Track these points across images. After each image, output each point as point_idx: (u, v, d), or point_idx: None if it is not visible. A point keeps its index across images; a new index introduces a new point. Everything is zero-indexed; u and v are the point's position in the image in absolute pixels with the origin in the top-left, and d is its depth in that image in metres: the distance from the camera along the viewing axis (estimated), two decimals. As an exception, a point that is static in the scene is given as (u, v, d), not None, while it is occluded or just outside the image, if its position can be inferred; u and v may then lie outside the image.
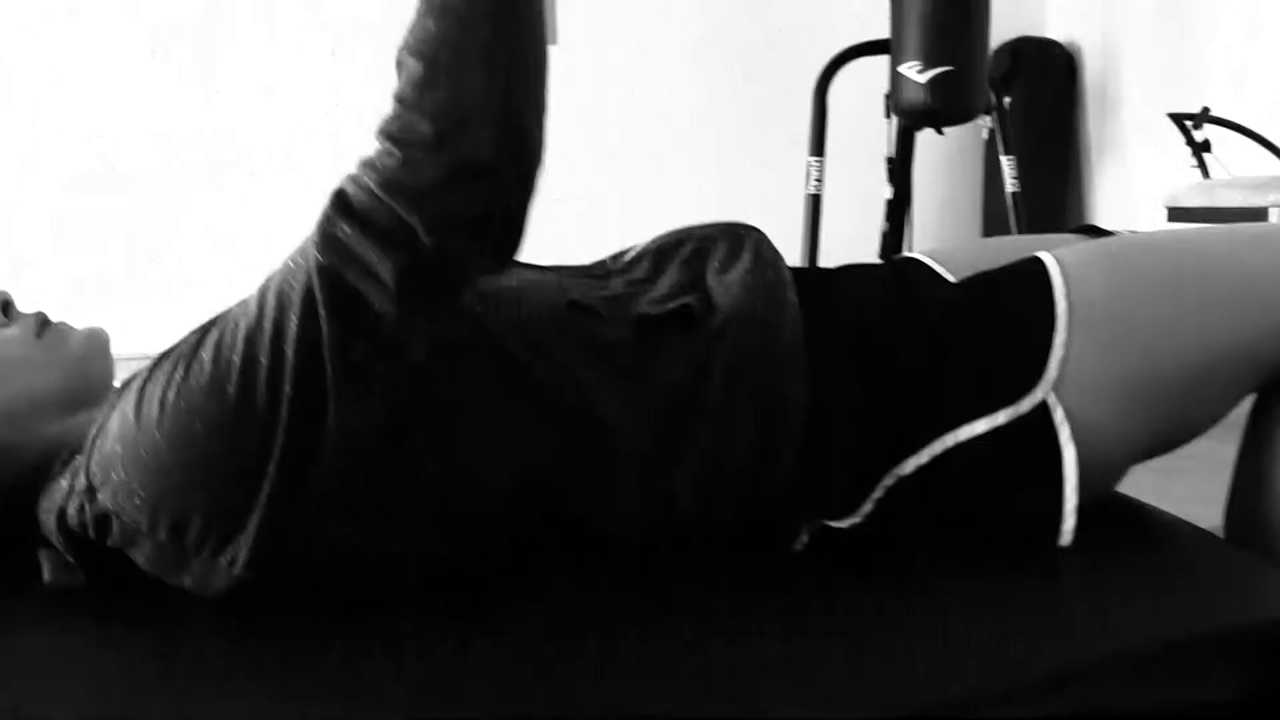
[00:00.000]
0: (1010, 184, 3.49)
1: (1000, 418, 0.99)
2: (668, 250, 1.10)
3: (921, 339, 1.02)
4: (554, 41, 1.07)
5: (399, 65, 0.88)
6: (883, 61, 3.15)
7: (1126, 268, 1.06)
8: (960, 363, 1.02)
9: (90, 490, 0.90)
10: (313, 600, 0.95)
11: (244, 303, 0.89)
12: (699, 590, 0.99)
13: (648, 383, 0.98)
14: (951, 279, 1.11)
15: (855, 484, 1.01)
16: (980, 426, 0.99)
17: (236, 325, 0.87)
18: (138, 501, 0.88)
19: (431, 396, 0.94)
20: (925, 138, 3.34)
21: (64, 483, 0.95)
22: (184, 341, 0.92)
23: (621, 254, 1.14)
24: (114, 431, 0.90)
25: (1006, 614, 0.93)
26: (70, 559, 0.96)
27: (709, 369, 0.99)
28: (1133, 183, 4.46)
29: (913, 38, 2.96)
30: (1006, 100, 3.67)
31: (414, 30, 0.88)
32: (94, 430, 0.93)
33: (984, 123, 3.69)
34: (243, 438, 0.86)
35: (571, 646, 0.89)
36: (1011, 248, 1.18)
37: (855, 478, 1.01)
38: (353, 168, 0.89)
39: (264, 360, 0.85)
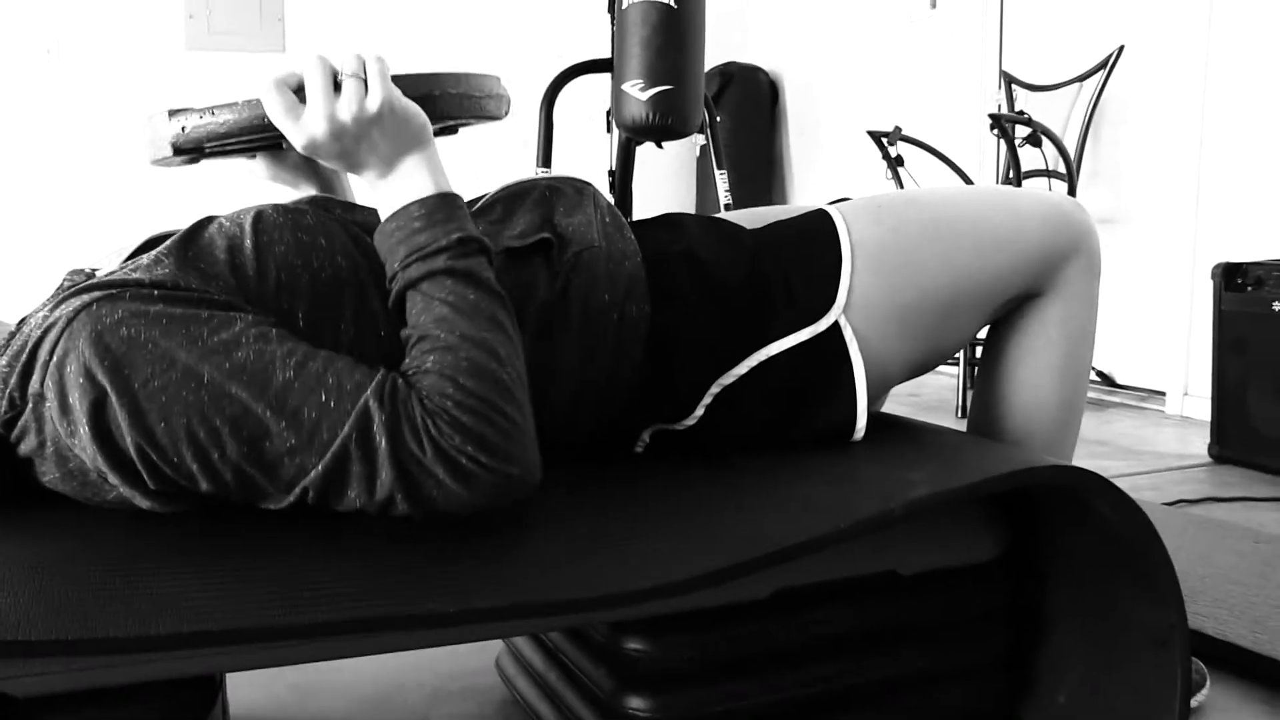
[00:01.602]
0: (724, 195, 3.73)
1: (803, 335, 1.19)
2: (516, 196, 1.21)
3: (737, 272, 1.20)
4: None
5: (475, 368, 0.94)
6: (604, 79, 3.32)
7: (893, 217, 1.27)
8: (768, 292, 1.20)
9: (38, 398, 0.93)
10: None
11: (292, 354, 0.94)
12: (558, 486, 1.13)
13: (523, 306, 1.10)
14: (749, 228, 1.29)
15: (689, 392, 1.18)
16: (787, 343, 1.19)
17: (285, 367, 0.93)
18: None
19: (335, 329, 1.02)
20: (644, 151, 3.54)
21: None
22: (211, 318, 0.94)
23: (473, 201, 1.24)
24: (89, 371, 0.90)
25: (814, 489, 1.11)
26: None
27: (568, 293, 1.13)
28: (831, 194, 4.89)
29: (634, 59, 3.10)
30: (718, 118, 3.96)
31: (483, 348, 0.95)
32: (35, 348, 0.94)
33: (698, 139, 3.95)
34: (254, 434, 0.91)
35: (461, 542, 0.98)
36: (781, 212, 1.38)
37: (689, 387, 1.18)
38: (422, 411, 0.92)
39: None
